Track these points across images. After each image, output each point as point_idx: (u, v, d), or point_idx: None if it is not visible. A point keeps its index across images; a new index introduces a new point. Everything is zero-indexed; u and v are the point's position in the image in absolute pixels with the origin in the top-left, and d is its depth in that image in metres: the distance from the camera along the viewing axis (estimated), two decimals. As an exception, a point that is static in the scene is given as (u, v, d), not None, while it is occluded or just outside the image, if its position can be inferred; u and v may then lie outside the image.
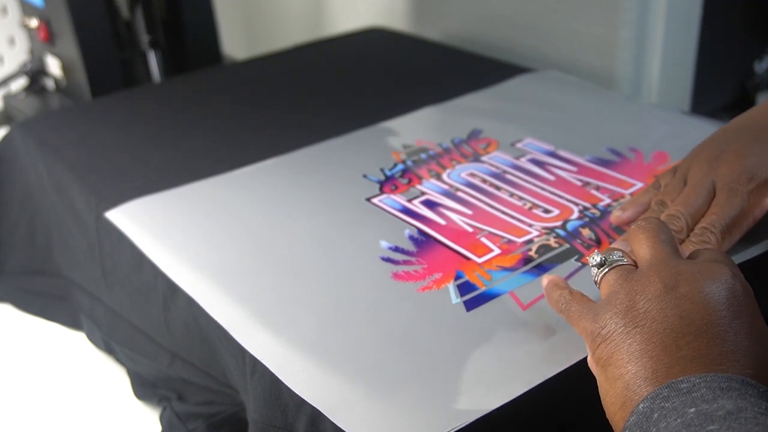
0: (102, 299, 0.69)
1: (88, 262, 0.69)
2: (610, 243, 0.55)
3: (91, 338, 0.73)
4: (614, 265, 0.43)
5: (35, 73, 1.10)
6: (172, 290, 0.57)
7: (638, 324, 0.38)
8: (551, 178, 0.65)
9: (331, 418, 0.42)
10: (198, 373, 0.57)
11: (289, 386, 0.45)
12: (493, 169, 0.67)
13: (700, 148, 0.55)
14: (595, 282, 0.44)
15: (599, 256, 0.44)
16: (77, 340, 0.76)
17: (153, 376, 0.64)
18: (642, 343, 0.37)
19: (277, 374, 0.46)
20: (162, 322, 0.59)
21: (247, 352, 0.49)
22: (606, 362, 0.38)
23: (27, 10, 1.08)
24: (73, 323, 0.77)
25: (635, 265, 0.43)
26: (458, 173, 0.67)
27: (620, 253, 0.43)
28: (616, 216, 0.56)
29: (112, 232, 0.64)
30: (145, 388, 0.67)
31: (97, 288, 0.69)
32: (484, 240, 0.57)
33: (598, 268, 0.43)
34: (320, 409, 0.43)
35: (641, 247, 0.43)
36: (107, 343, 0.70)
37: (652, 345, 0.37)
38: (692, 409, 0.33)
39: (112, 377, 0.71)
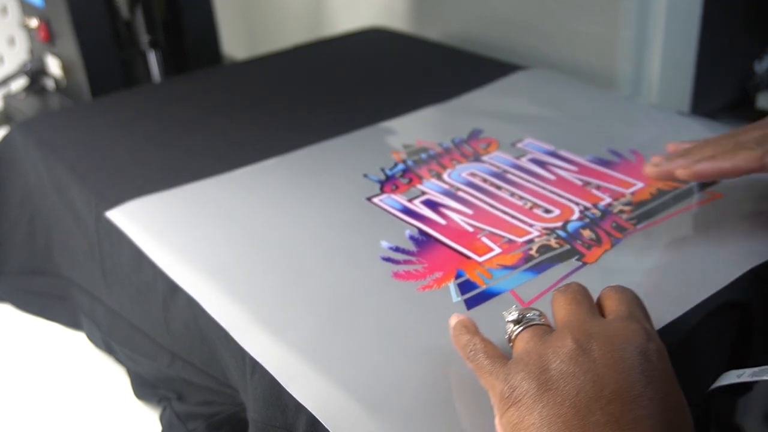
0: (102, 299, 0.69)
1: (88, 262, 0.69)
2: (611, 242, 0.55)
3: (91, 338, 0.73)
4: (530, 323, 0.41)
5: (35, 73, 1.10)
6: (172, 290, 0.57)
7: (551, 387, 0.37)
8: (552, 177, 0.65)
9: (328, 427, 0.42)
10: (198, 373, 0.57)
11: (288, 391, 0.45)
12: (494, 169, 0.67)
13: (749, 127, 0.56)
14: (509, 339, 0.42)
15: (517, 313, 0.42)
16: (77, 340, 0.76)
17: (153, 376, 0.64)
18: (554, 407, 0.36)
19: (276, 378, 0.46)
20: (162, 322, 0.59)
21: (247, 352, 0.49)
22: (516, 427, 0.37)
23: (27, 10, 1.08)
24: (73, 323, 0.77)
25: (551, 327, 0.42)
26: (459, 173, 0.67)
27: (538, 313, 0.42)
28: (654, 168, 0.57)
29: (112, 232, 0.64)
30: (145, 388, 0.67)
31: (97, 288, 0.69)
32: (484, 240, 0.57)
33: (514, 325, 0.42)
34: (318, 417, 0.43)
35: (559, 309, 0.42)
36: (107, 343, 0.70)
37: (564, 409, 0.36)
38: None
39: (112, 377, 0.71)
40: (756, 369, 0.48)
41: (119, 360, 0.71)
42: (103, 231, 0.65)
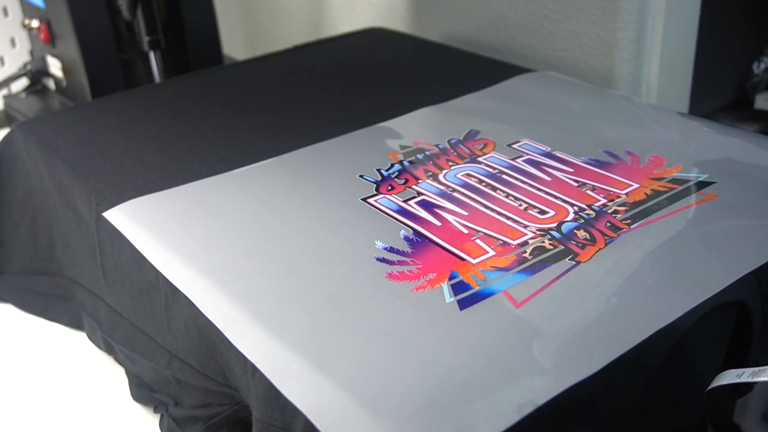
0: (103, 299, 0.69)
1: (89, 261, 0.70)
2: (606, 241, 0.56)
3: (92, 338, 0.74)
4: None
5: (36, 74, 1.11)
6: (173, 289, 0.57)
7: None
8: (547, 178, 0.65)
9: (321, 428, 0.42)
10: (195, 373, 0.57)
11: (284, 394, 0.45)
12: (490, 170, 0.67)
13: None
14: None
15: None
16: (79, 340, 0.76)
17: (150, 377, 0.64)
18: None
19: (271, 380, 0.46)
20: (164, 321, 0.59)
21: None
22: None
23: (28, 10, 1.08)
24: (75, 323, 0.78)
25: None
26: (455, 174, 0.67)
27: None
28: None
29: (112, 232, 0.64)
30: (142, 390, 0.67)
31: (98, 288, 0.69)
32: (478, 242, 0.57)
33: None
34: (311, 419, 0.43)
35: None
36: (107, 343, 0.71)
37: None
38: None
39: (114, 378, 0.72)
40: (756, 369, 0.48)
41: (119, 360, 0.71)
42: (103, 231, 0.66)
